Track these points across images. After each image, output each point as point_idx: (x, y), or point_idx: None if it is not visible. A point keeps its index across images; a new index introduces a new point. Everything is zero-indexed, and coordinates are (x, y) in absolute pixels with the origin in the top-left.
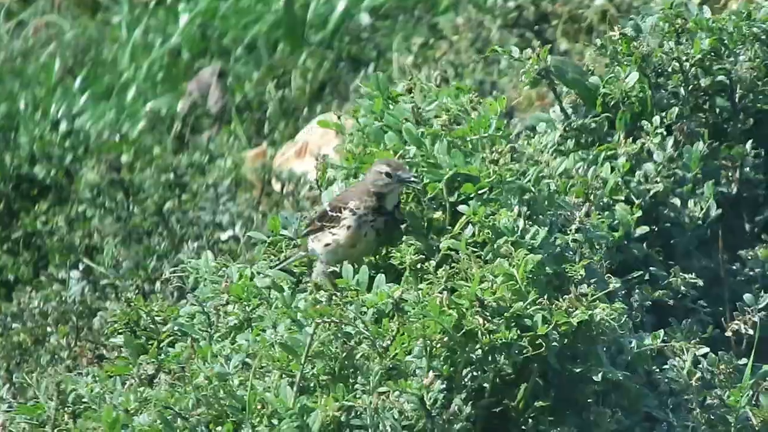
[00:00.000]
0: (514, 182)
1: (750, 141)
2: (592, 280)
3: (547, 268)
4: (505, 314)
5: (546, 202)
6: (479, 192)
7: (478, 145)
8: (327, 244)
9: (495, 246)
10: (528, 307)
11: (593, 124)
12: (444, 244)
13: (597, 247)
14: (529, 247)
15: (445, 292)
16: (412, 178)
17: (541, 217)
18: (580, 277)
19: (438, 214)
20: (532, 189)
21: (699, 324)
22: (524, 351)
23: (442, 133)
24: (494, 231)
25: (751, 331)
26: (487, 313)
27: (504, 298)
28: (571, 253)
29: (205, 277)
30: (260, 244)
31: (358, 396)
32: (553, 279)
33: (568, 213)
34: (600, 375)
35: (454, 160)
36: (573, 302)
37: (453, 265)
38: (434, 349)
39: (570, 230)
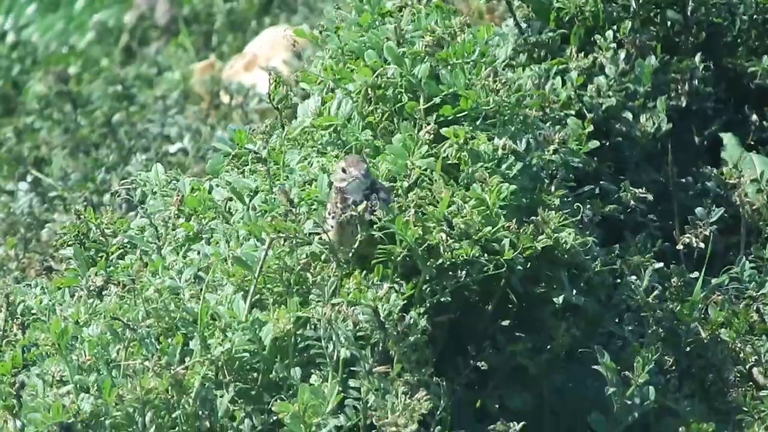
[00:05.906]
0: (512, 113)
1: (699, 54)
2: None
3: (522, 198)
4: (473, 237)
5: (522, 126)
6: (458, 115)
7: (459, 69)
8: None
9: (470, 171)
10: (498, 231)
11: (548, 40)
12: (418, 162)
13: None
14: (505, 176)
15: (411, 211)
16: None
17: (518, 141)
18: (554, 205)
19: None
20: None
21: (649, 238)
22: (486, 270)
23: (423, 54)
24: (472, 155)
25: (702, 245)
26: (453, 233)
27: (473, 221)
28: (545, 175)
29: (155, 190)
30: (223, 156)
31: (312, 308)
32: (525, 206)
33: (547, 133)
34: (561, 298)
35: (454, 80)
36: (539, 226)
37: (424, 187)
38: (396, 266)
39: (547, 150)
